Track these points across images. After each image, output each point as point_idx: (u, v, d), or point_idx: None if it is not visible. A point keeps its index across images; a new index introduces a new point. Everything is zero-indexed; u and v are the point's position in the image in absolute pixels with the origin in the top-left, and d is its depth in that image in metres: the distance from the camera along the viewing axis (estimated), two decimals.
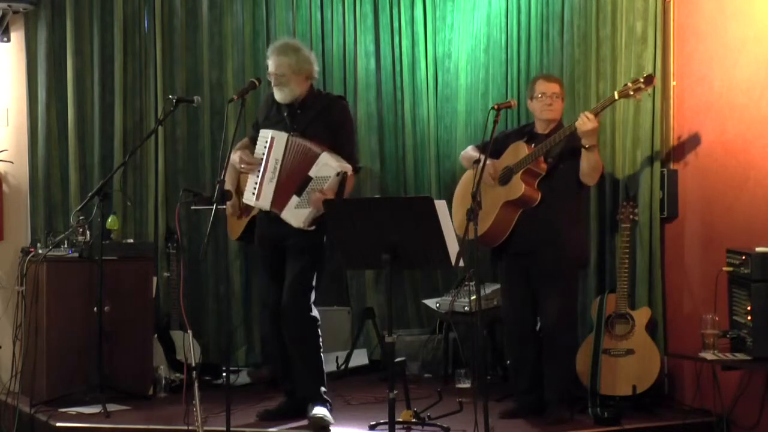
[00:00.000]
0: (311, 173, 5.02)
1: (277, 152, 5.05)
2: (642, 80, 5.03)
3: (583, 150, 5.09)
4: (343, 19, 7.22)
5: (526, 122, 5.86)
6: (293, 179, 5.04)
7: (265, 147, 5.08)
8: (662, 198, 5.54)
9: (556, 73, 6.24)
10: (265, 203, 5.07)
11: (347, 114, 5.32)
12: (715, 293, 4.84)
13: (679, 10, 5.56)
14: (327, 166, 5.02)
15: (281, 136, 5.06)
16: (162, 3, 6.70)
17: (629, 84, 5.07)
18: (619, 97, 5.10)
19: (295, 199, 5.03)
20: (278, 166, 5.04)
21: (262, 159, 5.08)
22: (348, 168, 5.05)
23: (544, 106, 5.31)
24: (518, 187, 5.21)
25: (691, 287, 5.46)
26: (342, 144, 5.12)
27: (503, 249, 5.35)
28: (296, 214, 5.01)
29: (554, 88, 5.32)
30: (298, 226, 5.01)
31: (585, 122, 5.03)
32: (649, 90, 5.14)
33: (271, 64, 5.13)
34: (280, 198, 5.04)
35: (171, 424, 5.12)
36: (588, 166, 5.14)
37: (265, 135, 5.12)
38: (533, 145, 5.28)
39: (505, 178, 5.29)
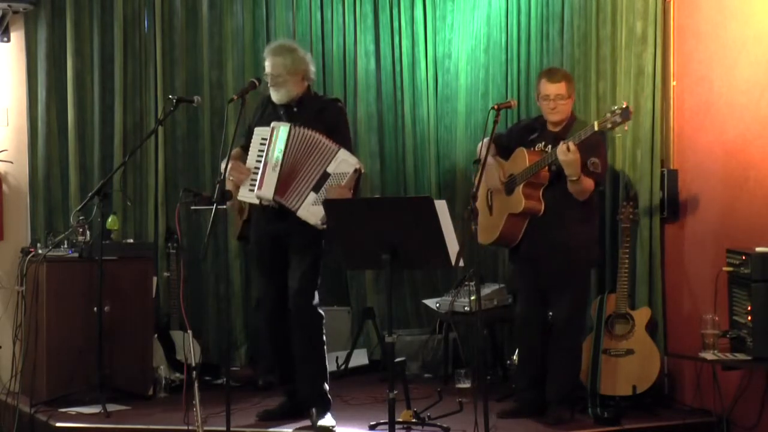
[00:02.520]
0: (329, 170, 5.02)
1: (281, 141, 5.03)
2: (618, 112, 4.85)
3: (568, 179, 5.04)
4: (343, 19, 7.22)
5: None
6: (299, 169, 5.02)
7: (264, 140, 5.06)
8: (662, 198, 5.54)
9: None
10: (268, 192, 5.01)
11: (343, 115, 5.33)
12: (715, 293, 4.84)
13: (679, 10, 5.55)
14: (346, 163, 5.03)
15: (284, 126, 5.04)
16: (162, 3, 6.70)
17: (608, 115, 4.92)
18: (599, 129, 4.94)
19: (312, 195, 5.01)
20: (281, 155, 5.02)
21: (259, 161, 5.06)
22: (362, 166, 5.07)
23: (548, 109, 5.24)
24: (519, 201, 5.17)
25: (691, 287, 5.46)
26: (339, 145, 5.12)
27: (517, 251, 5.35)
28: (314, 211, 4.97)
29: (558, 89, 5.20)
30: (315, 224, 4.98)
31: (565, 152, 4.93)
32: (627, 125, 4.95)
33: (267, 65, 5.15)
34: (284, 186, 5.01)
35: (171, 424, 5.13)
36: (573, 191, 5.09)
37: (261, 132, 5.11)
38: (541, 144, 5.23)
39: (509, 187, 5.26)
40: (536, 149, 5.24)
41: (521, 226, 5.23)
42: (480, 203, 5.39)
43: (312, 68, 5.23)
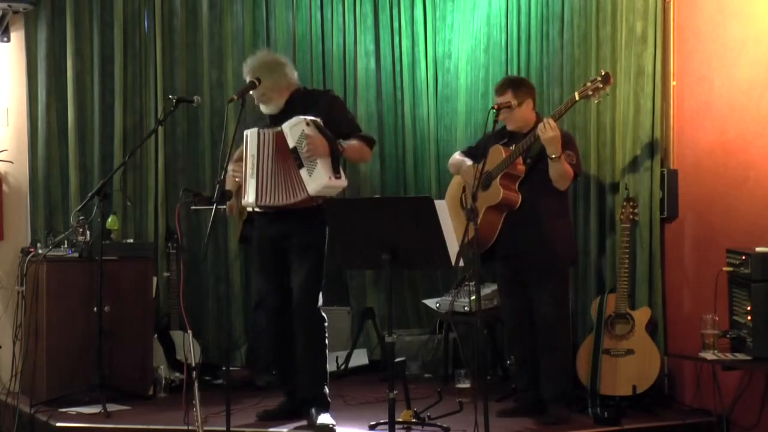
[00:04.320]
0: (292, 144, 4.99)
1: (252, 149, 5.05)
2: (599, 79, 5.04)
3: (549, 159, 5.09)
4: (343, 19, 7.23)
5: None
6: (277, 168, 5.01)
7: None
8: (662, 198, 5.54)
9: (555, 73, 6.25)
10: (250, 200, 5.05)
11: (336, 99, 5.36)
12: (715, 293, 4.84)
13: (679, 10, 5.55)
14: (293, 128, 4.98)
15: (252, 133, 5.07)
16: (162, 3, 6.70)
17: (588, 84, 5.08)
18: (580, 98, 5.09)
19: (303, 173, 4.98)
20: (255, 162, 5.03)
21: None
22: (310, 117, 4.98)
23: (502, 118, 5.28)
24: (497, 192, 5.22)
25: (691, 287, 5.46)
26: (339, 125, 5.09)
27: (494, 252, 5.36)
28: (316, 178, 4.95)
29: (504, 98, 5.26)
30: (330, 181, 4.95)
31: (546, 130, 5.02)
32: (608, 90, 5.10)
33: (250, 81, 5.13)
34: (267, 190, 5.02)
35: (171, 424, 5.12)
36: (555, 174, 5.14)
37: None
38: (513, 146, 5.27)
39: (485, 183, 5.29)
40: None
41: (497, 223, 5.25)
42: (456, 206, 5.44)
43: (294, 74, 5.25)
